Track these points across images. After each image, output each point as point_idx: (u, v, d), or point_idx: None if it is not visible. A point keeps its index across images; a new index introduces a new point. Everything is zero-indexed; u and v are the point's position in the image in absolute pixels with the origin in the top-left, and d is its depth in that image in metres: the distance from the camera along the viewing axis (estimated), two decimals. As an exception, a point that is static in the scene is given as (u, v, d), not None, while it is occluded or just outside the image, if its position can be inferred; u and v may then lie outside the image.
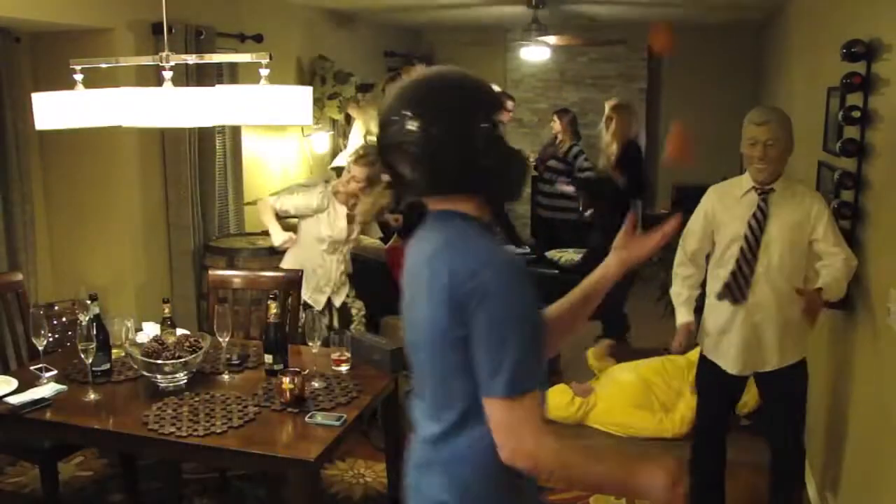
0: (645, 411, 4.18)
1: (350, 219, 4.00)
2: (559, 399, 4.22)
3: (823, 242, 2.78)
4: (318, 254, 3.99)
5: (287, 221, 4.12)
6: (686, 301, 3.10)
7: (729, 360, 2.97)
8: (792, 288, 2.77)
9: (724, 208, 2.95)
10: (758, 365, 2.94)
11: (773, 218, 2.82)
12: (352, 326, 4.15)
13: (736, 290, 2.88)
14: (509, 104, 6.68)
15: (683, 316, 3.08)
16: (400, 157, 1.48)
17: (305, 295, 3.91)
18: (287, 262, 4.01)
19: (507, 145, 1.51)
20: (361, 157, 3.97)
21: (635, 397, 4.23)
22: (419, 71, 1.58)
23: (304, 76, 5.76)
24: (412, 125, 1.44)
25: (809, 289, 2.74)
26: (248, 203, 5.01)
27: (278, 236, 4.00)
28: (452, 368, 1.47)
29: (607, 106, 5.79)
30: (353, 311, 4.20)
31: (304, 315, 3.78)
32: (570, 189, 6.06)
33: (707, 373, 3.10)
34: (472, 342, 1.42)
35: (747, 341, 2.91)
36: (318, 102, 5.81)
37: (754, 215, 2.84)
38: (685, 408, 4.06)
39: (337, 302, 4.12)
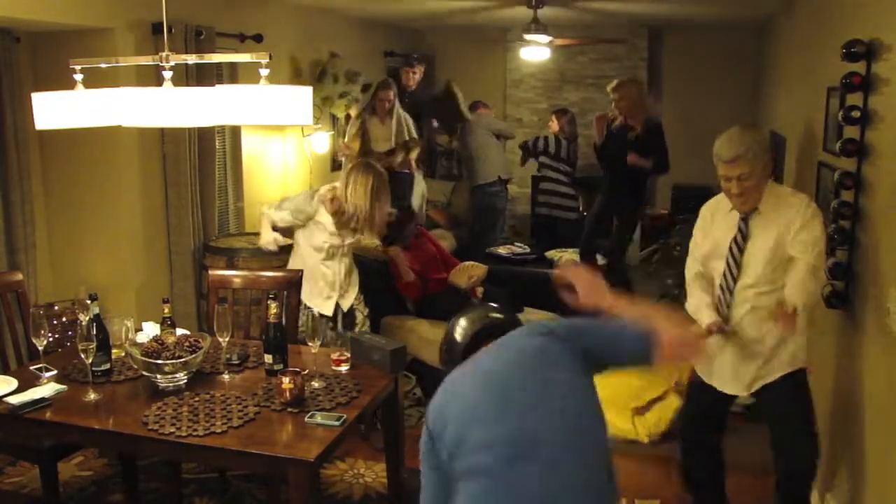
0: (611, 411, 4.12)
1: (339, 226, 3.88)
2: None
3: (791, 248, 2.73)
4: (317, 262, 3.91)
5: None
6: (709, 305, 2.88)
7: (724, 380, 2.95)
8: (772, 303, 2.74)
9: (714, 221, 2.94)
10: (753, 385, 2.90)
11: (754, 237, 2.80)
12: (355, 330, 4.11)
13: (722, 306, 2.88)
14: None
15: (711, 318, 2.84)
16: None
17: (311, 302, 3.88)
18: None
19: None
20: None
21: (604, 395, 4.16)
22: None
23: (304, 76, 5.76)
24: None
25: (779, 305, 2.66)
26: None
27: (263, 238, 4.02)
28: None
29: (609, 89, 5.52)
30: (358, 315, 4.11)
31: (303, 316, 3.78)
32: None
33: (699, 386, 3.04)
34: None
35: (737, 360, 2.88)
36: (328, 101, 5.80)
37: (735, 238, 2.82)
38: (662, 411, 4.01)
39: (345, 305, 4.03)
